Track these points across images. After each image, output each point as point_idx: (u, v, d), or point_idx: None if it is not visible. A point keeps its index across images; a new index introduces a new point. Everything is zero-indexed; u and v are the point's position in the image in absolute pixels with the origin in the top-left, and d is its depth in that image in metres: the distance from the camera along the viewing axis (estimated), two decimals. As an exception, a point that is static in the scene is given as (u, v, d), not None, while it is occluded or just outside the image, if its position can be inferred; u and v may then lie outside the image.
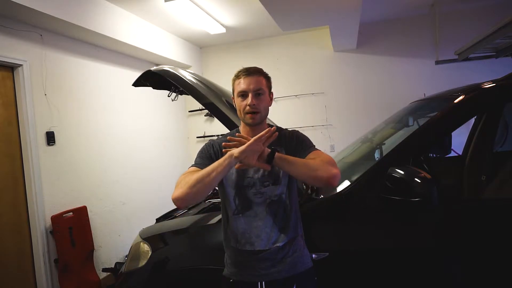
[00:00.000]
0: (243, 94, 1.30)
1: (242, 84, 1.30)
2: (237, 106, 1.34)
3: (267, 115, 1.36)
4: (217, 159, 1.27)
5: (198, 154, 1.37)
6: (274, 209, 1.32)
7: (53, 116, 3.04)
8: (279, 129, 1.44)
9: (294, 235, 1.35)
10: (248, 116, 1.30)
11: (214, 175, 1.16)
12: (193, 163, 1.33)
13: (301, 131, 1.42)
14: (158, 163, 4.48)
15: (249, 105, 1.28)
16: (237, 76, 1.33)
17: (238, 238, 1.33)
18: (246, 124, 1.33)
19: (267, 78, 1.36)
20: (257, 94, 1.30)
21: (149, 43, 3.95)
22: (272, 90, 1.39)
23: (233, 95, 1.37)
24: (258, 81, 1.31)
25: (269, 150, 1.18)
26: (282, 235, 1.32)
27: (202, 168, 1.22)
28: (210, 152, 1.35)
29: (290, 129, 1.44)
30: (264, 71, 1.36)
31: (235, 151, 1.15)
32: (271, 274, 1.30)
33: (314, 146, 1.35)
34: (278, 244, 1.31)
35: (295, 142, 1.36)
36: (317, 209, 1.48)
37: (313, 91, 4.77)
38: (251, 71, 1.32)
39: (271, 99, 1.37)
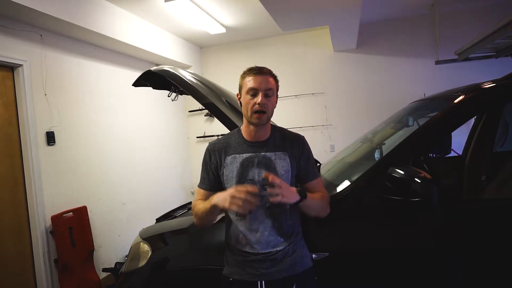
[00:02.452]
0: (254, 93, 1.28)
1: (253, 81, 1.28)
2: (243, 104, 1.31)
3: (272, 116, 1.35)
4: (218, 165, 1.35)
5: (202, 165, 1.42)
6: (273, 213, 1.31)
7: (53, 116, 3.04)
8: (281, 129, 1.44)
9: (294, 238, 1.35)
10: (255, 115, 1.27)
11: (201, 216, 1.33)
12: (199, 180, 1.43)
13: (301, 131, 1.43)
14: (158, 163, 4.49)
15: (258, 103, 1.26)
16: (247, 73, 1.31)
17: (239, 239, 1.34)
18: (251, 123, 1.31)
19: (276, 80, 1.35)
20: (267, 94, 1.29)
21: (149, 43, 3.96)
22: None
23: (240, 92, 1.34)
24: (268, 82, 1.30)
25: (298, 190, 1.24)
26: (282, 239, 1.32)
27: (204, 189, 1.38)
28: (207, 163, 1.39)
29: (293, 132, 1.44)
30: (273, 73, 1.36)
31: (219, 203, 1.21)
32: (271, 273, 1.30)
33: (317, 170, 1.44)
34: (277, 248, 1.31)
35: (300, 153, 1.36)
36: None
37: (313, 91, 4.77)
38: (263, 70, 1.31)
39: (276, 101, 1.36)
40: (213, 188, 1.38)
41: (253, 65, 1.34)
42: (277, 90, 1.36)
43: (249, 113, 1.29)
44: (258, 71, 1.30)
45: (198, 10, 3.57)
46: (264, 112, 1.27)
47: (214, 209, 1.25)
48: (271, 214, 1.31)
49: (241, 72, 1.34)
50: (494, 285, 1.43)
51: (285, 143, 1.36)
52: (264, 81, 1.28)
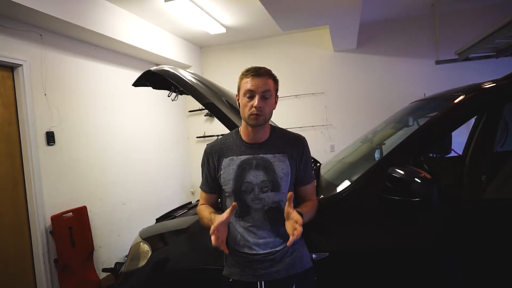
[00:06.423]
0: (251, 95, 1.26)
1: (250, 84, 1.26)
2: (241, 105, 1.30)
3: (271, 117, 1.33)
4: (216, 167, 1.34)
5: (201, 168, 1.42)
6: (272, 216, 1.31)
7: (53, 116, 3.04)
8: (281, 130, 1.43)
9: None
10: (252, 117, 1.26)
11: (203, 224, 1.35)
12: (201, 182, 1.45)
13: (301, 131, 1.42)
14: (158, 163, 4.49)
15: (255, 106, 1.24)
16: (245, 75, 1.29)
17: (237, 240, 1.33)
18: (249, 124, 1.30)
19: (275, 81, 1.32)
20: (264, 96, 1.26)
21: (149, 43, 3.95)
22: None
23: (238, 93, 1.32)
24: (266, 83, 1.27)
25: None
26: (280, 241, 1.32)
27: (205, 192, 1.41)
28: (205, 166, 1.39)
29: (294, 132, 1.43)
30: (273, 73, 1.33)
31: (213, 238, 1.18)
32: (270, 274, 1.30)
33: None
34: (276, 248, 1.31)
35: (300, 155, 1.36)
36: (317, 209, 1.47)
37: (313, 91, 4.77)
38: (261, 72, 1.28)
39: (276, 102, 1.34)
40: (212, 190, 1.40)
41: (252, 65, 1.33)
42: (277, 91, 1.33)
43: (246, 115, 1.28)
44: (255, 73, 1.27)
45: (198, 10, 3.57)
46: (260, 114, 1.25)
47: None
48: (270, 216, 1.31)
49: (241, 72, 1.33)
50: (494, 285, 1.43)
51: (285, 144, 1.35)
52: (261, 83, 1.26)
